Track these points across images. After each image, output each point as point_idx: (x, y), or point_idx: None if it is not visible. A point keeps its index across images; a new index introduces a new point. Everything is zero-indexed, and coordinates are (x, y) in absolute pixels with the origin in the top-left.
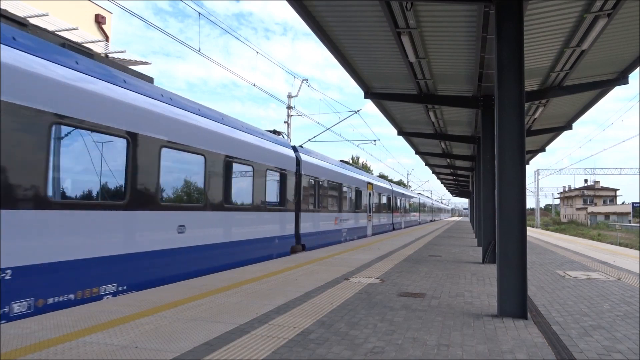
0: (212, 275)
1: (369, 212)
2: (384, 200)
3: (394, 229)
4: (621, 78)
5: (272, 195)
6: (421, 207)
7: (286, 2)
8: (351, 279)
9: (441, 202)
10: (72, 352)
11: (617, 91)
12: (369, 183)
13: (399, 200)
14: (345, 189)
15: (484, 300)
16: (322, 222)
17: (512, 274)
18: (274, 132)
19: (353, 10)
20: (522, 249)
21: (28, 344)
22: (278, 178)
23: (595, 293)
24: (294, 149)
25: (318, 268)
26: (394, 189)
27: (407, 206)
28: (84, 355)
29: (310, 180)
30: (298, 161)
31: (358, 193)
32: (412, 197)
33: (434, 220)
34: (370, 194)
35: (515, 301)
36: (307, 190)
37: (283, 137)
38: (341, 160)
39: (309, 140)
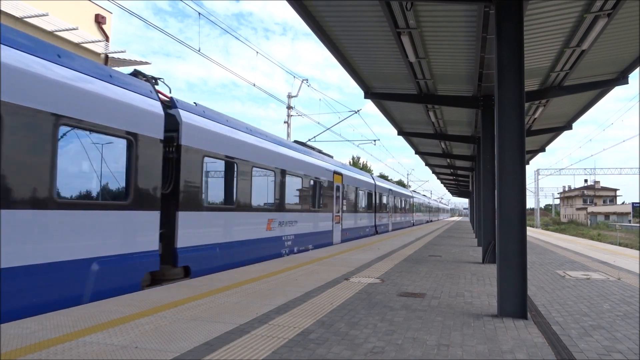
0: (212, 276)
1: (337, 212)
2: (362, 196)
3: (377, 232)
4: (621, 78)
5: (88, 178)
6: (415, 206)
7: (286, 2)
8: (351, 279)
9: (439, 202)
10: (72, 352)
11: (617, 91)
12: (336, 173)
13: (384, 198)
14: (291, 179)
15: (484, 300)
16: (239, 228)
17: (512, 274)
18: (136, 74)
19: (353, 10)
20: (522, 249)
21: (28, 344)
22: (109, 146)
23: (595, 293)
24: (170, 103)
25: (318, 268)
26: (378, 183)
27: (397, 205)
28: (84, 355)
29: (208, 158)
30: (176, 124)
31: (317, 185)
32: (404, 194)
33: (431, 221)
34: (339, 187)
35: (515, 301)
36: (200, 174)
37: (154, 84)
38: (297, 142)
39: (309, 140)
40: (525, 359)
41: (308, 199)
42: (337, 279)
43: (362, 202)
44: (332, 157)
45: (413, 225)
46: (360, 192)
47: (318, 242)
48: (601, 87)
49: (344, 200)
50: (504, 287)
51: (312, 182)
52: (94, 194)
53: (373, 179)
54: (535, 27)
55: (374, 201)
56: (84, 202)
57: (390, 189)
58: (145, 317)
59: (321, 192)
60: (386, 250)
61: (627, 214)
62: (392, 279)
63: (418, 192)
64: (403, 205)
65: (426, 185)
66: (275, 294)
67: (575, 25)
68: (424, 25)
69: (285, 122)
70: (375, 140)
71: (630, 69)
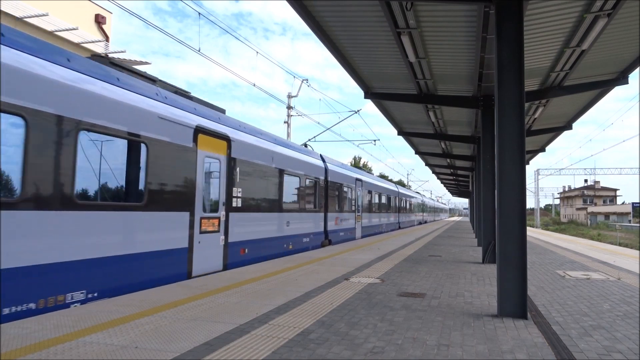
0: (212, 275)
1: (211, 211)
2: (293, 185)
3: (329, 242)
4: (621, 78)
5: None
6: (404, 204)
7: (286, 2)
8: (351, 279)
9: (437, 200)
10: (72, 352)
11: (617, 91)
12: (206, 133)
13: (348, 191)
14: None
15: (484, 300)
16: None
17: (512, 274)
18: None
19: (353, 10)
20: (522, 249)
21: (28, 344)
22: None
23: (595, 293)
24: None
25: (318, 268)
26: (332, 167)
27: (372, 201)
28: (84, 355)
29: None
30: None
31: (132, 153)
32: (383, 187)
33: (426, 222)
34: (220, 162)
35: (515, 301)
36: None
37: None
38: (95, 56)
39: (309, 140)
40: (525, 359)
41: (91, 183)
42: (337, 279)
43: (295, 195)
44: (224, 111)
45: (400, 227)
46: (289, 179)
47: (130, 280)
48: (601, 87)
49: (239, 190)
50: (504, 287)
51: (106, 144)
52: None
53: (323, 159)
54: (535, 27)
55: (324, 195)
56: None
57: (357, 179)
58: (145, 317)
59: (154, 170)
60: (386, 250)
61: (627, 214)
62: (392, 279)
63: (409, 189)
64: (383, 201)
65: (426, 185)
66: (275, 294)
67: (575, 25)
68: (424, 25)
69: (285, 122)
70: (375, 140)
71: (630, 69)
